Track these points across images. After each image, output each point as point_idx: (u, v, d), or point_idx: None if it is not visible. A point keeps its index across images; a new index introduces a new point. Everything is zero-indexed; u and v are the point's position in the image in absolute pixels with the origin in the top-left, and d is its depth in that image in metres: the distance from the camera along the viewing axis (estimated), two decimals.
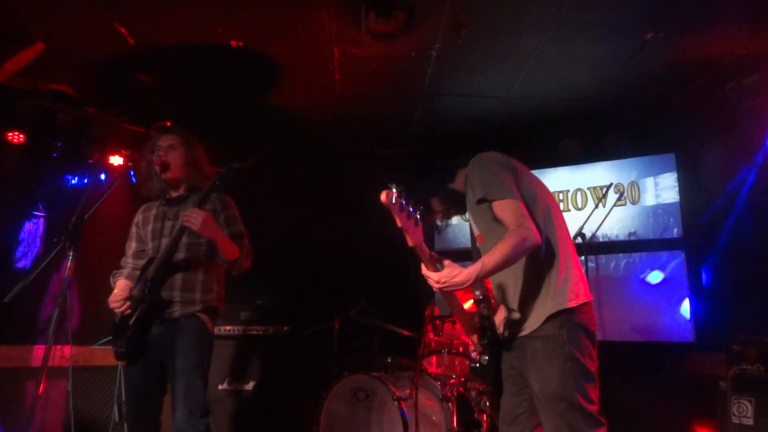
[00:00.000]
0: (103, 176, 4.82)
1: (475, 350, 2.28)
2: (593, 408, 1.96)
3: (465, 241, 5.95)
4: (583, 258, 4.34)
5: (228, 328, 4.42)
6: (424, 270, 1.94)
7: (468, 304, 2.66)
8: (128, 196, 4.55)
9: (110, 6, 3.63)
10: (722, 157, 4.64)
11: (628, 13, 3.64)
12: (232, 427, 4.24)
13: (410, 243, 1.86)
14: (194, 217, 2.54)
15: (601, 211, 4.67)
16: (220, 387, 4.28)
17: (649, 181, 5.17)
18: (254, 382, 4.34)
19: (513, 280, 2.14)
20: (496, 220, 2.07)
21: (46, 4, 3.62)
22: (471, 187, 2.17)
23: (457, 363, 3.91)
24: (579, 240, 4.45)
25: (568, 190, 5.53)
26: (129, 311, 2.68)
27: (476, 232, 2.28)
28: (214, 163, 3.03)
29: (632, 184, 5.23)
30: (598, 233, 4.85)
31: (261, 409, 4.28)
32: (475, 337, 2.25)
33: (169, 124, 4.80)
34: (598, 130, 5.32)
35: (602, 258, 5.22)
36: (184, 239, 2.69)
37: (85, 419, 4.07)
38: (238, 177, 2.62)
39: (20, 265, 4.54)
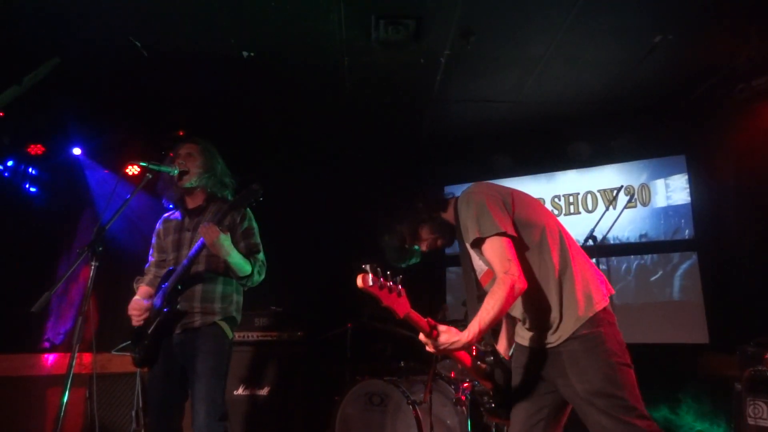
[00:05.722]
0: (121, 187, 4.91)
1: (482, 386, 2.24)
2: (641, 405, 1.92)
3: None
4: (594, 260, 4.34)
5: (243, 334, 4.46)
6: (422, 337, 1.90)
7: None
8: (146, 205, 4.63)
9: (124, 19, 3.72)
10: (733, 158, 4.64)
11: (636, 17, 3.66)
12: (247, 431, 4.28)
13: (400, 316, 1.81)
14: (209, 235, 2.60)
15: (612, 213, 4.67)
16: (235, 393, 4.32)
17: (660, 183, 5.17)
18: (269, 388, 4.37)
19: (531, 303, 2.11)
20: None
21: (61, 19, 3.71)
22: (464, 228, 2.13)
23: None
24: (590, 242, 4.45)
25: (578, 193, 5.54)
26: (144, 322, 2.75)
27: (480, 270, 2.20)
28: (232, 173, 3.07)
29: (643, 186, 5.23)
30: (609, 235, 4.85)
31: (276, 415, 4.32)
32: (487, 382, 2.22)
33: (181, 133, 4.87)
34: (607, 132, 5.33)
35: (614, 260, 5.22)
36: (204, 251, 2.73)
37: (103, 425, 4.13)
38: (258, 198, 2.66)
39: None
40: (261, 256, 2.88)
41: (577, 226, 5.38)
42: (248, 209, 2.90)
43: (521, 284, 1.94)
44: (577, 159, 5.47)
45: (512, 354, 2.29)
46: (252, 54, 4.10)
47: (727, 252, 4.67)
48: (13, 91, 4.01)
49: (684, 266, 4.92)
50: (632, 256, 5.16)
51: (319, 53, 4.13)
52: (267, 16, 3.69)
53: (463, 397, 3.72)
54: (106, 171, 5.02)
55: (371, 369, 4.25)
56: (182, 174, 2.83)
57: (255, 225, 2.94)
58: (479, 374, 2.20)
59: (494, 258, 2.00)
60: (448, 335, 1.88)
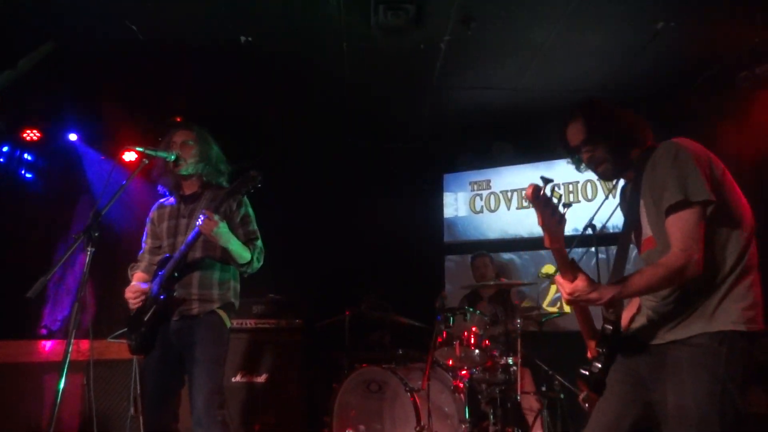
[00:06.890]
0: (118, 172, 4.89)
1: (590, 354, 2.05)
2: None
3: (476, 233, 5.96)
4: (593, 249, 4.33)
5: (241, 321, 4.46)
6: (559, 278, 1.77)
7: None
8: (142, 191, 4.61)
9: (120, 3, 3.67)
10: (735, 145, 4.60)
11: (638, 4, 3.62)
12: (245, 419, 4.28)
13: (548, 244, 1.70)
14: (208, 227, 2.57)
15: (612, 202, 4.62)
16: (233, 380, 4.32)
17: None
18: (267, 375, 4.37)
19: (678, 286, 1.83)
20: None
21: (57, 3, 3.65)
22: (661, 182, 1.81)
23: (467, 354, 3.92)
24: (590, 231, 4.43)
25: (578, 181, 5.51)
26: (142, 306, 2.73)
27: (646, 232, 1.98)
28: (228, 160, 3.04)
29: None
30: (609, 224, 4.80)
31: (274, 402, 4.32)
32: (593, 342, 2.02)
33: (179, 119, 4.83)
34: None
35: (613, 249, 5.17)
36: (201, 237, 2.69)
37: (101, 412, 4.13)
38: (256, 185, 2.63)
39: None
40: (259, 243, 2.87)
41: (576, 215, 5.36)
42: (244, 196, 2.88)
43: (695, 270, 1.69)
44: None
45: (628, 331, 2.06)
46: (250, 39, 4.06)
47: None
48: (8, 75, 3.97)
49: None
50: (631, 245, 5.13)
51: (318, 39, 4.08)
52: (265, 1, 3.64)
53: (461, 385, 3.72)
54: (102, 156, 4.98)
55: (369, 356, 4.26)
56: (178, 162, 2.80)
57: (251, 212, 2.93)
58: (589, 333, 2.03)
59: (678, 231, 1.74)
60: (584, 284, 1.71)
